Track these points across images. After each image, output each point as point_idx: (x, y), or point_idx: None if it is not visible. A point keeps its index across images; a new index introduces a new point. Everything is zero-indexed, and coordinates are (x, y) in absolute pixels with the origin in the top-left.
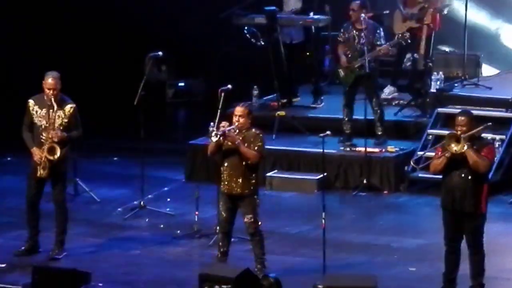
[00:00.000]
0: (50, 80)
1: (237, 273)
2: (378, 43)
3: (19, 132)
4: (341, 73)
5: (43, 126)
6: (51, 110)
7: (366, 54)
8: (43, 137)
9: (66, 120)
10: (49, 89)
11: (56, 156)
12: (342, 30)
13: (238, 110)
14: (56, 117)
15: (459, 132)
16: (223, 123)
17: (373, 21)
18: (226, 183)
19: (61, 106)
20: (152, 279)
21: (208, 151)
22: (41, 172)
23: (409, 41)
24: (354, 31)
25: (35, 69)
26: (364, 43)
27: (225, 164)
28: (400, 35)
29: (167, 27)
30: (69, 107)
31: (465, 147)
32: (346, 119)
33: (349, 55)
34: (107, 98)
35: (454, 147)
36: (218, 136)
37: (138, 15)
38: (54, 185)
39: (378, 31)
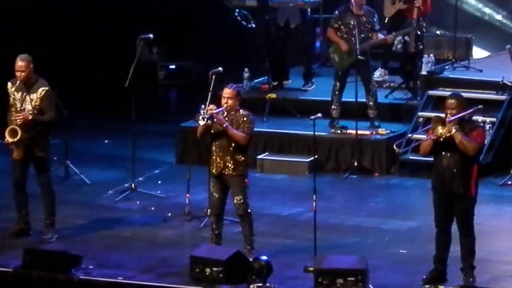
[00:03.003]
0: (19, 63)
1: (227, 255)
2: (376, 28)
3: (3, 115)
4: (336, 58)
5: (18, 109)
6: (25, 93)
7: (372, 40)
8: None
9: (37, 103)
10: (17, 71)
11: (16, 139)
12: (336, 15)
13: (226, 92)
14: (29, 100)
15: (449, 115)
16: (211, 106)
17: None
18: (215, 164)
19: (34, 89)
20: (143, 261)
21: (197, 134)
22: (14, 154)
23: (424, 30)
24: (353, 17)
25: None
26: (365, 29)
27: (214, 146)
28: (415, 24)
29: (159, 9)
30: (41, 90)
31: (453, 130)
32: (337, 104)
33: (352, 41)
34: (98, 80)
35: (440, 130)
36: (206, 119)
37: None
38: (36, 169)
39: (374, 15)
